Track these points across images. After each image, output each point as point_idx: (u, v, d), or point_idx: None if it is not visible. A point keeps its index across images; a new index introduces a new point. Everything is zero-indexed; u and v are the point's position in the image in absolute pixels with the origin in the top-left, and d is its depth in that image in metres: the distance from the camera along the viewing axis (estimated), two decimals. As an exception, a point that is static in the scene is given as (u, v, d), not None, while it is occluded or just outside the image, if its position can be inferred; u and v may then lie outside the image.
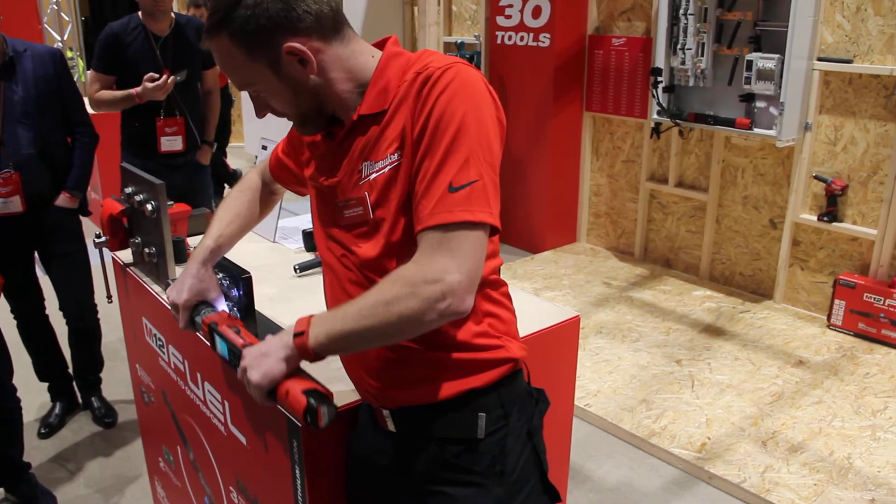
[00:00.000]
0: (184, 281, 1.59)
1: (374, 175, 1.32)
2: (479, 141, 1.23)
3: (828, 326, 4.33)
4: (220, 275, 1.68)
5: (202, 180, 3.90)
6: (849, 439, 3.24)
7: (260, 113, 1.40)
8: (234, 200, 1.75)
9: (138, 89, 3.40)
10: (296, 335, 1.28)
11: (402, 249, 1.31)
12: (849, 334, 4.24)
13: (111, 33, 3.47)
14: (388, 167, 1.30)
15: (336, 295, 1.46)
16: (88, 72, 3.59)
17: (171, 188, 3.49)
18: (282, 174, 1.71)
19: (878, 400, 3.55)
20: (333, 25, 1.33)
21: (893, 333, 4.08)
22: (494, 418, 1.39)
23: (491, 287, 1.42)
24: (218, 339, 1.46)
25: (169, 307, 1.62)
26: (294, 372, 1.30)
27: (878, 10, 3.98)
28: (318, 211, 1.48)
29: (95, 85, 3.53)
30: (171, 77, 3.40)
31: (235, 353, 1.39)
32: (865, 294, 4.15)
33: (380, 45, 1.41)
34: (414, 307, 1.18)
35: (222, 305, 1.59)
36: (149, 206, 2.06)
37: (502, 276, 1.51)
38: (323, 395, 1.27)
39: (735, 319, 4.45)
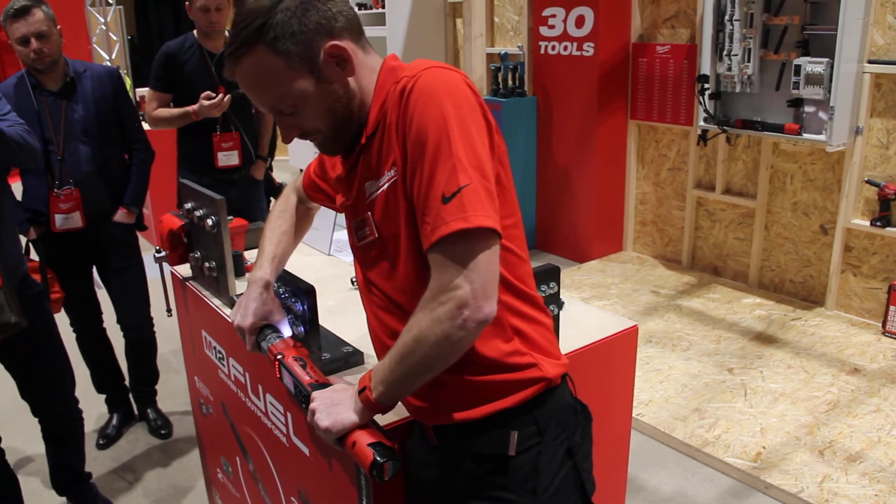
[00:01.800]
0: (248, 305, 1.63)
1: (375, 193, 1.32)
2: (463, 144, 1.19)
3: (883, 333, 4.26)
4: (283, 289, 1.71)
5: (256, 194, 3.96)
6: (909, 448, 3.19)
7: (288, 136, 1.36)
8: (278, 220, 1.80)
9: (195, 107, 3.47)
10: (360, 391, 1.32)
11: (418, 270, 1.30)
12: (905, 341, 4.17)
13: (167, 52, 3.55)
14: (387, 184, 1.29)
15: (371, 322, 1.49)
16: (146, 90, 3.67)
17: (227, 203, 3.55)
18: (316, 195, 1.75)
19: (938, 408, 3.49)
20: (359, 29, 1.34)
21: (952, 340, 4.01)
22: (527, 435, 1.37)
23: (519, 299, 1.38)
24: (285, 373, 1.50)
25: (235, 330, 1.66)
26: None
27: (930, 11, 3.93)
28: (349, 235, 1.49)
29: (153, 103, 3.61)
30: (227, 95, 3.46)
31: (303, 392, 1.42)
32: (922, 300, 4.08)
33: None
34: (438, 332, 1.19)
35: (286, 327, 1.63)
36: (209, 221, 2.10)
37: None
38: (388, 449, 1.30)
39: (786, 327, 4.39)
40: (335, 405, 1.34)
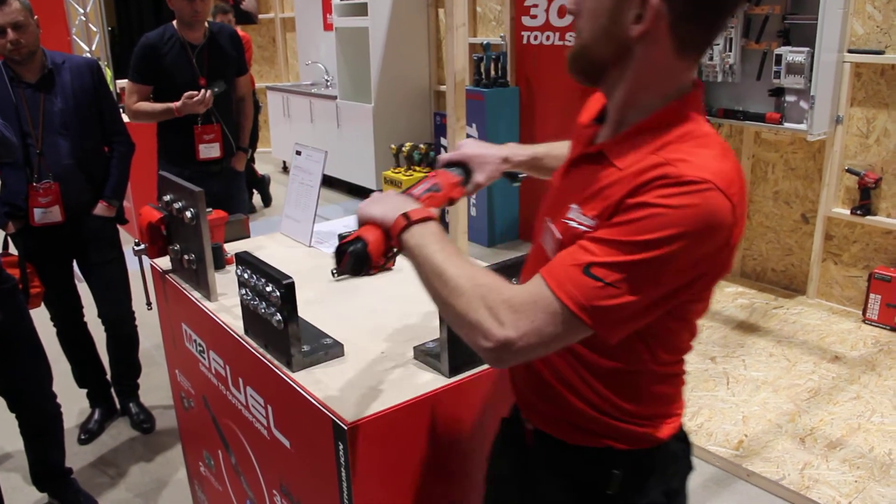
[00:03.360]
0: (481, 145, 1.62)
1: (573, 223, 1.21)
2: (659, 272, 1.09)
3: (863, 321, 4.29)
4: (263, 280, 1.69)
5: (237, 186, 3.94)
6: (889, 435, 3.21)
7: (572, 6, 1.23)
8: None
9: (178, 104, 3.47)
10: (405, 214, 1.27)
11: None
12: (885, 328, 4.19)
13: (147, 44, 3.52)
14: (583, 227, 1.18)
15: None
16: (125, 82, 3.65)
17: (208, 195, 3.53)
18: None
19: (918, 394, 3.52)
20: (694, 41, 1.18)
21: (931, 327, 4.04)
22: (628, 477, 1.34)
23: (662, 364, 1.31)
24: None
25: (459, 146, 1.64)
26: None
27: (909, 0, 3.95)
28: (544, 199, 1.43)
29: (134, 96, 3.58)
30: (210, 91, 3.47)
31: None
32: (902, 288, 4.11)
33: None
34: (467, 320, 1.14)
35: (469, 175, 1.61)
36: (188, 214, 2.08)
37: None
38: (364, 255, 1.28)
39: (768, 315, 4.42)
40: (383, 200, 1.34)
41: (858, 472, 2.98)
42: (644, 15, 1.13)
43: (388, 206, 1.31)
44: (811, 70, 4.08)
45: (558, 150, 1.69)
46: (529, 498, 1.45)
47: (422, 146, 6.19)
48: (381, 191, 1.54)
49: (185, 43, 3.56)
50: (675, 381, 1.37)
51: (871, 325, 4.25)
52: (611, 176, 1.17)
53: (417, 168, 6.09)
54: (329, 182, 7.78)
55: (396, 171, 6.19)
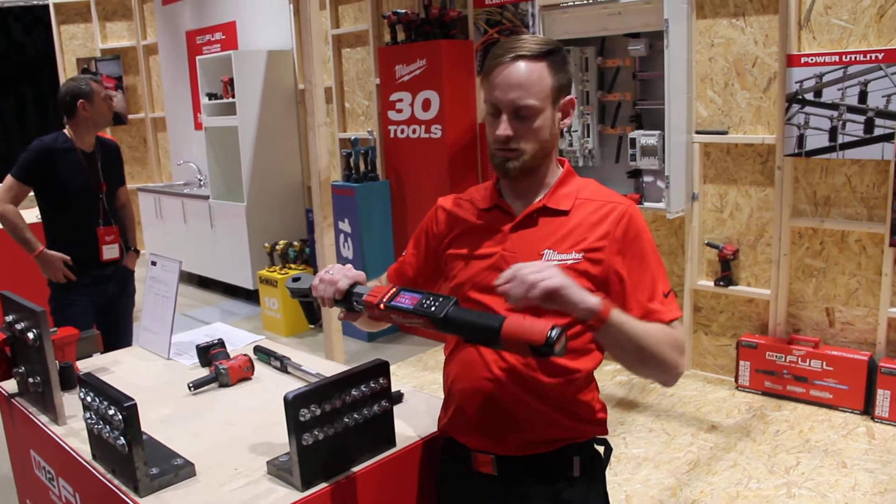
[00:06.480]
0: (343, 270, 1.65)
1: (554, 262, 1.57)
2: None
3: (736, 388, 4.43)
4: (105, 403, 1.59)
5: (131, 284, 4.00)
6: (765, 499, 3.28)
7: (503, 131, 1.59)
8: None
9: (47, 253, 3.55)
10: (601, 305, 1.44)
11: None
12: (756, 393, 4.34)
13: (45, 147, 3.54)
14: (570, 261, 1.58)
15: (483, 353, 1.64)
16: (6, 178, 3.59)
17: (101, 295, 3.51)
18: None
19: (790, 456, 3.62)
20: None
21: (798, 388, 4.20)
22: (585, 460, 1.69)
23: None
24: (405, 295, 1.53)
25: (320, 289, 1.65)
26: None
27: (743, 84, 4.23)
28: (475, 282, 1.68)
29: (10, 193, 3.55)
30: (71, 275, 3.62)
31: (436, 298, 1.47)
32: (767, 353, 4.27)
33: None
34: (670, 362, 1.54)
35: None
36: (30, 335, 1.97)
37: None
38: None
39: (647, 391, 4.50)
40: (567, 281, 1.41)
41: (740, 541, 3.02)
42: (569, 114, 1.67)
43: (575, 289, 1.42)
44: (664, 151, 4.28)
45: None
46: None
47: (296, 243, 6.14)
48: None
49: (80, 150, 3.61)
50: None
51: (743, 391, 4.39)
52: (568, 222, 1.64)
53: (293, 266, 6.02)
54: (205, 283, 7.59)
55: (271, 269, 6.09)
